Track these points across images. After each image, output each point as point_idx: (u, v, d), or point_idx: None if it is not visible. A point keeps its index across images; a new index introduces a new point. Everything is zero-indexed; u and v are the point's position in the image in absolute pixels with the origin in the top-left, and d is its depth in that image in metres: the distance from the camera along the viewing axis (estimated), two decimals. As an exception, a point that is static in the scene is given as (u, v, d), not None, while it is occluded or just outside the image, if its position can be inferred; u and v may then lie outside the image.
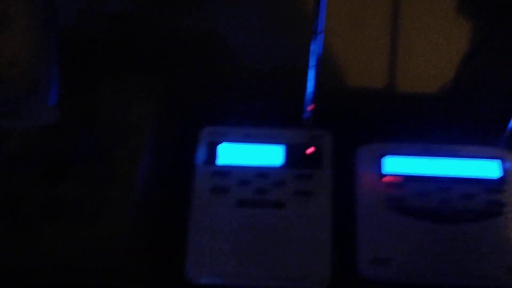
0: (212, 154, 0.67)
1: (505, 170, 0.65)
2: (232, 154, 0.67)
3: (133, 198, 0.57)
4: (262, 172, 0.66)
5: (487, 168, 0.65)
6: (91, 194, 0.55)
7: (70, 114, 0.57)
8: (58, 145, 0.55)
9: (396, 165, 0.66)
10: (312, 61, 0.60)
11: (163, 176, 0.67)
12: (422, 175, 0.65)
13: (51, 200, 0.54)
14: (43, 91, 0.45)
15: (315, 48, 0.58)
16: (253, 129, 0.69)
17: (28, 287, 0.55)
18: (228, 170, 0.66)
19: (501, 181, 0.64)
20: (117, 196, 0.56)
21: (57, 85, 0.47)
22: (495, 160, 0.66)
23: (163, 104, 0.66)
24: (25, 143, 0.53)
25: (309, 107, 0.66)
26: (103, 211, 0.55)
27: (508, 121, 0.66)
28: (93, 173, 0.57)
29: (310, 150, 0.67)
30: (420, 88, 0.76)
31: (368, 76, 0.76)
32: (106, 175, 0.57)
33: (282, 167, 0.66)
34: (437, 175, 0.65)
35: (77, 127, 0.61)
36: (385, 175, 0.65)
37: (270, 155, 0.67)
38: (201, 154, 0.67)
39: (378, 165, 0.66)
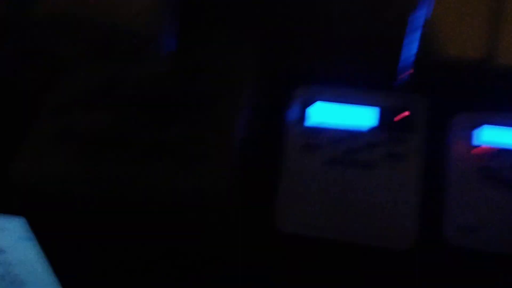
0: (305, 113, 0.69)
1: None
2: (325, 113, 0.69)
3: (233, 144, 0.60)
4: (353, 133, 0.67)
5: None
6: (194, 138, 0.59)
7: (180, 64, 0.60)
8: (168, 92, 0.59)
9: (490, 135, 0.65)
10: (414, 24, 0.59)
11: (259, 129, 0.70)
12: (514, 146, 0.64)
13: (159, 142, 0.58)
14: (161, 41, 0.48)
15: (420, 11, 0.58)
16: (347, 90, 0.69)
17: (133, 219, 0.60)
18: (320, 129, 0.68)
19: None
20: (218, 142, 0.59)
21: (174, 37, 0.50)
22: None
23: (262, 60, 0.69)
24: (138, 88, 0.57)
25: (407, 71, 0.66)
26: (205, 155, 0.58)
27: None
28: (197, 119, 0.61)
29: (404, 113, 0.67)
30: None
31: (467, 46, 0.74)
32: (209, 122, 0.60)
33: (374, 129, 0.67)
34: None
35: (186, 76, 0.65)
36: (479, 145, 0.65)
37: (363, 116, 0.68)
38: (294, 112, 0.69)
39: (472, 135, 0.66)
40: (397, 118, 0.67)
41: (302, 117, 0.69)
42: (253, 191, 0.67)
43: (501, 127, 0.66)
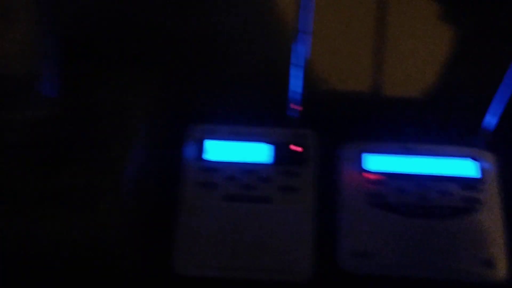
0: (199, 151, 0.69)
1: (480, 169, 0.68)
2: (220, 150, 0.69)
3: (126, 187, 0.59)
4: (249, 169, 0.68)
5: (463, 167, 0.68)
6: (86, 184, 0.57)
7: (68, 106, 0.59)
8: (56, 136, 0.57)
9: (376, 163, 0.69)
10: (296, 61, 0.62)
11: (153, 169, 0.69)
12: (401, 172, 0.68)
13: (48, 189, 0.55)
14: (41, 84, 0.46)
15: (300, 47, 0.61)
16: (240, 127, 0.71)
17: (25, 270, 0.56)
18: (216, 167, 0.68)
19: (478, 179, 0.67)
20: (109, 186, 0.58)
21: (57, 79, 0.49)
22: (471, 159, 0.69)
23: (155, 100, 0.69)
24: (24, 134, 0.54)
25: (296, 107, 0.68)
26: (97, 200, 0.56)
27: (484, 122, 0.70)
28: (87, 163, 0.59)
29: (296, 148, 0.69)
30: (401, 90, 0.79)
31: (352, 77, 0.78)
32: (100, 166, 0.59)
33: (269, 164, 0.68)
34: (415, 173, 0.68)
35: (75, 119, 0.63)
36: (366, 172, 0.68)
37: (257, 152, 0.69)
38: (190, 150, 0.69)
39: (359, 163, 0.69)
40: (290, 153, 0.69)
41: (198, 154, 0.69)
42: (150, 233, 0.66)
43: (385, 154, 0.69)
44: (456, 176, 0.67)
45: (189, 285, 0.63)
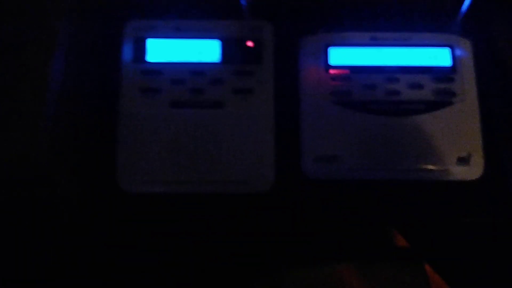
0: (140, 51, 0.60)
1: (455, 58, 0.61)
2: (163, 50, 0.60)
3: (49, 97, 0.50)
4: (197, 70, 0.59)
5: (437, 56, 0.61)
6: (2, 96, 0.48)
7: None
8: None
9: (341, 56, 0.61)
10: None
11: (86, 76, 0.60)
12: (369, 65, 0.60)
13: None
14: None
15: None
16: (184, 22, 0.61)
17: None
18: (159, 68, 0.59)
19: (451, 69, 0.60)
20: (29, 97, 0.49)
21: None
22: (445, 47, 0.61)
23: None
24: None
25: (246, -5, 0.59)
26: (14, 114, 0.48)
27: (460, 6, 0.62)
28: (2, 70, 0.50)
29: (248, 43, 0.61)
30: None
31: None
32: (15, 73, 0.50)
33: (219, 63, 0.60)
34: (384, 65, 0.60)
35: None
36: (330, 68, 0.61)
37: (205, 50, 0.60)
38: (127, 51, 0.60)
39: (323, 57, 0.61)
40: (243, 49, 0.61)
41: (138, 56, 0.60)
42: (86, 148, 0.58)
43: (350, 47, 0.62)
44: (428, 66, 0.61)
45: (137, 202, 0.56)
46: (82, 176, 0.56)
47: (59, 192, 0.52)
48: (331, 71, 0.61)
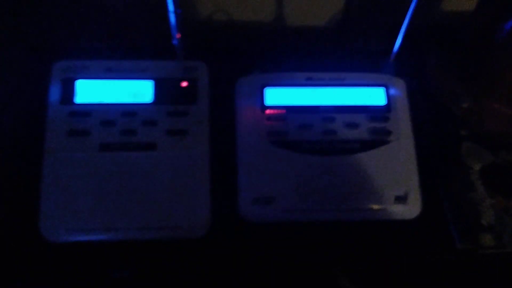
0: (68, 93, 0.58)
1: (390, 97, 0.61)
2: (92, 92, 0.58)
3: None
4: (128, 110, 0.57)
5: (372, 95, 0.61)
6: None
7: None
8: None
9: (277, 96, 0.61)
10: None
11: (10, 118, 0.57)
12: (305, 105, 0.60)
13: None
14: None
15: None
16: (116, 62, 0.59)
17: None
18: (88, 110, 0.57)
19: (386, 108, 0.60)
20: None
21: None
22: (380, 87, 0.62)
23: (13, 32, 0.55)
24: None
25: (176, 36, 0.58)
26: None
27: (392, 47, 0.63)
28: None
29: (183, 83, 0.59)
30: (305, 18, 0.70)
31: (247, 5, 0.68)
32: None
33: (152, 103, 0.58)
34: (320, 105, 0.60)
35: None
36: (267, 108, 0.60)
37: (138, 91, 0.58)
38: (54, 93, 0.57)
39: (259, 97, 0.60)
40: (176, 89, 0.59)
41: (66, 97, 0.57)
42: (7, 194, 0.54)
43: (286, 87, 0.61)
44: (363, 105, 0.61)
45: (62, 252, 0.52)
46: (1, 224, 0.52)
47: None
48: (267, 111, 0.60)
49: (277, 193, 0.56)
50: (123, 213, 0.53)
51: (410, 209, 0.57)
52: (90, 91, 0.58)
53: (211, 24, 0.68)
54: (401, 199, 0.56)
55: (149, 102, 0.58)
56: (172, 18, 0.54)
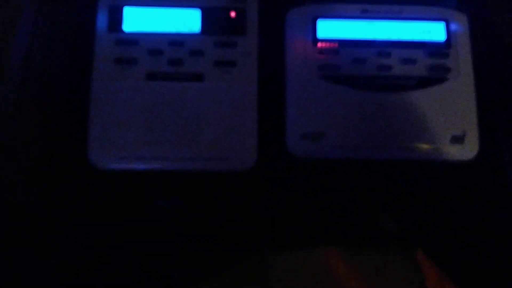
0: (115, 20, 0.56)
1: (450, 32, 0.57)
2: (140, 19, 0.56)
3: (11, 70, 0.46)
4: (175, 40, 0.55)
5: (431, 30, 0.58)
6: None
7: None
8: None
9: (330, 29, 0.58)
10: None
11: (58, 44, 0.56)
12: (359, 39, 0.57)
13: None
14: None
15: None
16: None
17: None
18: (136, 38, 0.56)
19: (446, 44, 0.57)
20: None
21: None
22: (440, 21, 0.58)
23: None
24: None
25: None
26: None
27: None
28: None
29: (232, 13, 0.57)
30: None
31: None
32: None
33: (200, 33, 0.56)
34: (376, 39, 0.57)
35: None
36: (318, 41, 0.57)
37: (185, 20, 0.56)
38: (102, 20, 0.56)
39: (311, 30, 0.58)
40: (225, 19, 0.57)
41: (112, 25, 0.56)
42: (55, 122, 0.54)
43: (340, 19, 0.58)
44: (422, 41, 0.57)
45: (109, 180, 0.52)
46: (51, 151, 0.52)
47: (23, 170, 0.48)
48: (319, 45, 0.57)
49: (326, 129, 0.54)
50: (169, 143, 0.53)
51: (467, 150, 0.54)
52: (137, 19, 0.56)
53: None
54: (458, 139, 0.54)
55: (196, 32, 0.56)
56: None
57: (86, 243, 0.51)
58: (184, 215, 0.53)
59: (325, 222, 0.54)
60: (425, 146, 0.53)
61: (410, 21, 0.58)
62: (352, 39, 0.57)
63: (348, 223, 0.54)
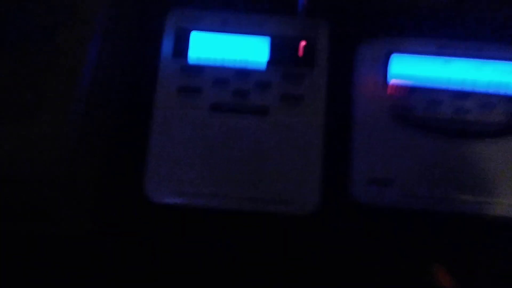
0: (181, 45, 0.54)
1: (536, 76, 0.53)
2: (206, 45, 0.54)
3: (80, 91, 0.45)
4: (242, 70, 0.53)
5: (514, 73, 0.54)
6: (27, 84, 0.44)
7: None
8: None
9: (404, 66, 0.54)
10: None
11: (121, 69, 0.55)
12: (435, 78, 0.53)
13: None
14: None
15: None
16: (232, 14, 0.55)
17: None
18: (201, 66, 0.54)
19: (530, 89, 0.53)
20: (59, 88, 0.44)
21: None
22: (525, 63, 0.54)
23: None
24: None
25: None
26: (42, 105, 0.43)
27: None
28: (30, 57, 0.45)
29: (300, 43, 0.54)
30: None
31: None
32: (46, 61, 0.45)
33: (267, 64, 0.54)
34: (453, 79, 0.53)
35: (13, 2, 0.48)
36: (391, 78, 0.54)
37: (253, 49, 0.54)
38: (167, 45, 0.54)
39: (383, 66, 0.54)
40: (294, 50, 0.54)
41: (178, 51, 0.54)
42: (116, 151, 0.53)
43: (415, 55, 0.54)
44: (504, 82, 0.53)
45: (165, 214, 0.51)
46: (107, 180, 0.51)
47: (77, 197, 0.47)
48: (391, 82, 0.54)
49: (396, 175, 0.51)
50: (229, 180, 0.51)
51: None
52: (203, 45, 0.54)
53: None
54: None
55: (264, 61, 0.54)
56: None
57: (138, 276, 0.50)
58: (239, 255, 0.51)
59: (384, 273, 0.51)
60: (502, 202, 0.50)
61: (492, 60, 0.54)
62: (427, 77, 0.54)
63: (407, 275, 0.51)
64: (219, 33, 0.55)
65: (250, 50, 0.54)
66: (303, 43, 0.55)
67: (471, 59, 0.54)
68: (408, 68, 0.54)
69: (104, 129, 0.51)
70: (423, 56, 0.55)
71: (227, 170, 0.51)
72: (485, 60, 0.54)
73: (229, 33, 0.55)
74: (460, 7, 0.60)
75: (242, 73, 0.53)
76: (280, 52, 0.54)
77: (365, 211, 0.51)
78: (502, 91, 0.53)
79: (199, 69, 0.54)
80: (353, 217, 0.51)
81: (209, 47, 0.54)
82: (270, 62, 0.54)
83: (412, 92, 0.53)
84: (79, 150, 0.46)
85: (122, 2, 0.54)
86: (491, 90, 0.53)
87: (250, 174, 0.51)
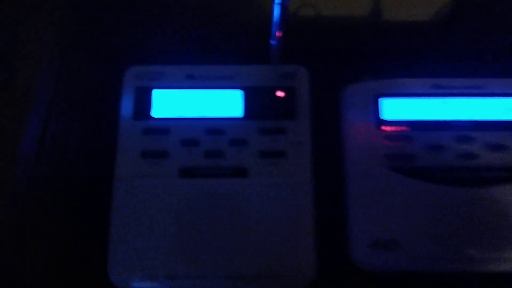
0: (142, 105, 0.48)
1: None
2: (171, 103, 0.48)
3: (17, 177, 0.38)
4: (214, 129, 0.47)
5: (520, 109, 0.48)
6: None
7: None
8: None
9: (397, 109, 0.48)
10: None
11: (74, 135, 0.48)
12: (434, 120, 0.47)
13: None
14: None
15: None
16: (198, 68, 0.49)
17: None
18: (166, 127, 0.47)
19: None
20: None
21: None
22: (530, 97, 0.48)
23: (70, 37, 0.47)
24: None
25: (277, 34, 0.46)
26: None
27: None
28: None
29: (279, 93, 0.48)
30: (414, 14, 0.57)
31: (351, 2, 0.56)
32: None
33: (241, 118, 0.47)
34: (454, 120, 0.47)
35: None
36: (383, 123, 0.48)
37: (225, 103, 0.48)
38: (127, 106, 0.48)
39: (373, 111, 0.48)
40: (272, 101, 0.48)
41: (139, 112, 0.48)
42: (75, 234, 0.45)
43: (408, 97, 0.49)
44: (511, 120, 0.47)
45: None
46: (68, 267, 0.43)
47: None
48: (385, 128, 0.47)
49: (400, 235, 0.44)
50: (207, 258, 0.43)
51: None
52: (168, 102, 0.48)
53: (298, 20, 0.56)
54: None
55: (238, 116, 0.47)
56: (277, 10, 0.43)
57: None
58: None
59: None
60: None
61: (494, 97, 0.48)
62: (424, 120, 0.48)
63: None
64: (185, 89, 0.48)
65: (221, 105, 0.48)
66: (280, 92, 0.48)
67: (471, 98, 0.49)
68: (401, 112, 0.48)
69: (56, 205, 0.43)
70: (416, 98, 0.49)
71: (203, 246, 0.43)
72: (486, 98, 0.49)
73: (196, 88, 0.48)
74: (448, 35, 0.55)
75: (214, 131, 0.47)
76: (255, 104, 0.48)
77: (368, 277, 0.44)
78: (508, 129, 0.47)
79: (164, 130, 0.47)
80: (355, 285, 0.44)
81: (174, 105, 0.48)
82: (245, 117, 0.47)
83: (409, 137, 0.47)
84: (22, 235, 0.38)
85: (73, 60, 0.48)
86: (498, 130, 0.47)
87: (232, 249, 0.43)
